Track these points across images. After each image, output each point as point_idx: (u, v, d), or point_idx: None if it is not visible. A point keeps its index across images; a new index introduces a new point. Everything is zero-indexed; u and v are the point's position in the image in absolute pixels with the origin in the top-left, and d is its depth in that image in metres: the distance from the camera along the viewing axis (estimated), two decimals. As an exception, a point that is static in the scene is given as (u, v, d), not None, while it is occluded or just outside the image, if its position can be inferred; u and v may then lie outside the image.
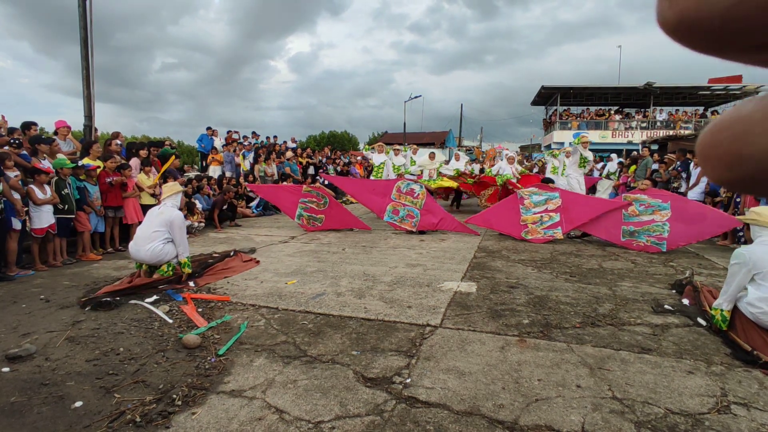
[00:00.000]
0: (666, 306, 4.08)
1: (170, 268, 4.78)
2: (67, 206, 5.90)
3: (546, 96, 32.34)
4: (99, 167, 6.76)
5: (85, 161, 6.70)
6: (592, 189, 12.09)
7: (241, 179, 11.32)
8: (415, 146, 12.95)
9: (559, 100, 31.30)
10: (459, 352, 3.11)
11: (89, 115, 8.79)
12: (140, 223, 6.99)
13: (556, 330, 3.53)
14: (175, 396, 2.54)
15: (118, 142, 8.30)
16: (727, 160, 0.20)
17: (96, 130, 9.08)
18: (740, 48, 0.18)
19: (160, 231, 4.67)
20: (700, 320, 3.71)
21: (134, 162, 7.61)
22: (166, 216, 4.71)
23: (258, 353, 3.12)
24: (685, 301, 4.17)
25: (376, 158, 10.94)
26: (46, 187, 5.69)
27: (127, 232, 7.06)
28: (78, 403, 2.47)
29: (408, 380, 2.71)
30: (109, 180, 6.72)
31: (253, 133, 16.59)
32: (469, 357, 3.04)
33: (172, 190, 4.98)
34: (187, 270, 4.80)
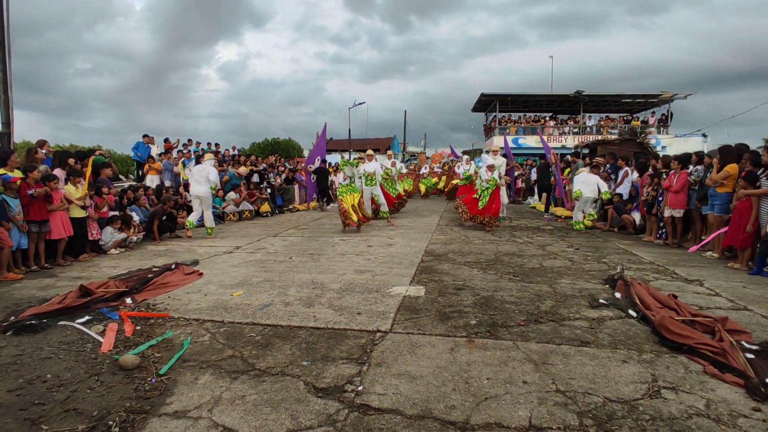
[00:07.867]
0: (601, 300, 4.34)
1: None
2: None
3: (485, 102, 33.62)
4: (19, 178, 6.21)
5: (2, 172, 6.13)
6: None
7: (181, 189, 10.83)
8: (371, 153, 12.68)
9: (497, 107, 32.64)
10: (410, 356, 3.14)
11: (7, 122, 8.11)
12: (69, 237, 6.53)
13: (502, 329, 3.65)
14: (111, 422, 2.36)
15: (43, 151, 7.68)
16: None
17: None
18: None
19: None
20: (631, 312, 3.98)
21: (59, 172, 7.05)
22: (205, 172, 8.66)
23: (203, 370, 2.98)
24: (618, 295, 4.46)
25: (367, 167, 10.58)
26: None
27: (54, 249, 6.52)
28: (-2, 439, 2.25)
29: (360, 388, 2.69)
30: (30, 192, 6.18)
31: (189, 140, 15.96)
32: (420, 360, 3.07)
33: (208, 158, 9.14)
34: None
